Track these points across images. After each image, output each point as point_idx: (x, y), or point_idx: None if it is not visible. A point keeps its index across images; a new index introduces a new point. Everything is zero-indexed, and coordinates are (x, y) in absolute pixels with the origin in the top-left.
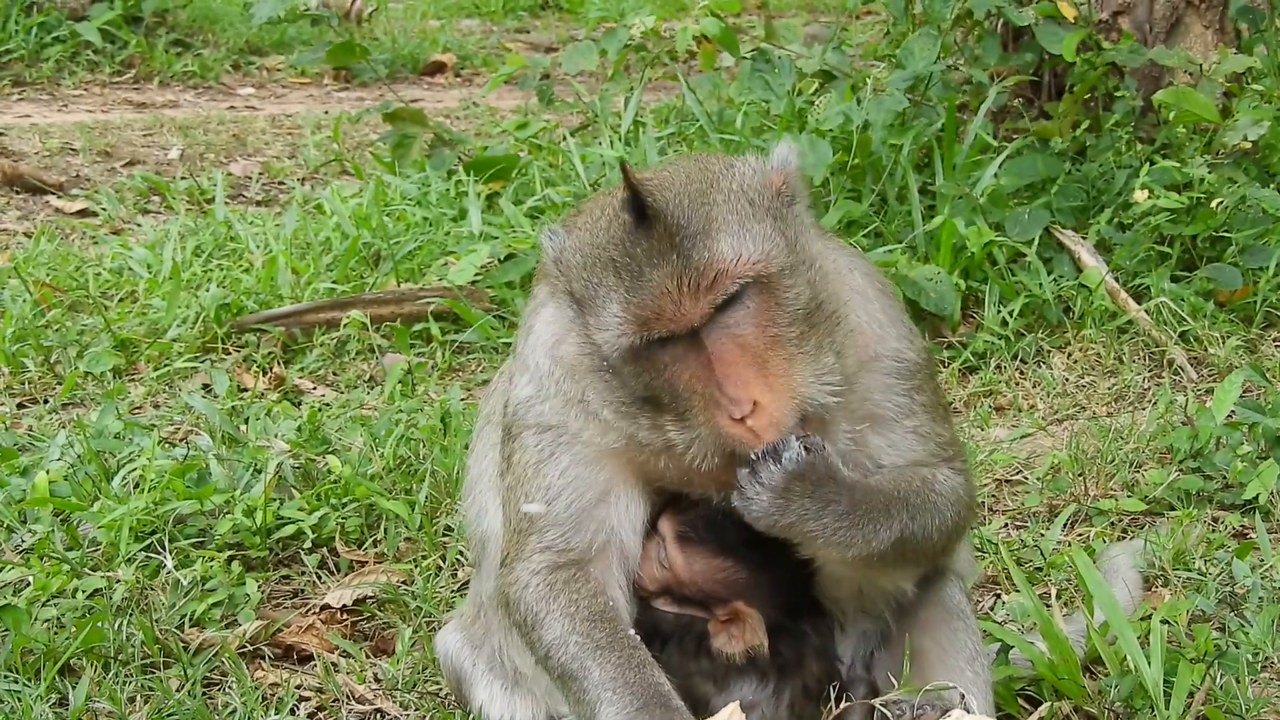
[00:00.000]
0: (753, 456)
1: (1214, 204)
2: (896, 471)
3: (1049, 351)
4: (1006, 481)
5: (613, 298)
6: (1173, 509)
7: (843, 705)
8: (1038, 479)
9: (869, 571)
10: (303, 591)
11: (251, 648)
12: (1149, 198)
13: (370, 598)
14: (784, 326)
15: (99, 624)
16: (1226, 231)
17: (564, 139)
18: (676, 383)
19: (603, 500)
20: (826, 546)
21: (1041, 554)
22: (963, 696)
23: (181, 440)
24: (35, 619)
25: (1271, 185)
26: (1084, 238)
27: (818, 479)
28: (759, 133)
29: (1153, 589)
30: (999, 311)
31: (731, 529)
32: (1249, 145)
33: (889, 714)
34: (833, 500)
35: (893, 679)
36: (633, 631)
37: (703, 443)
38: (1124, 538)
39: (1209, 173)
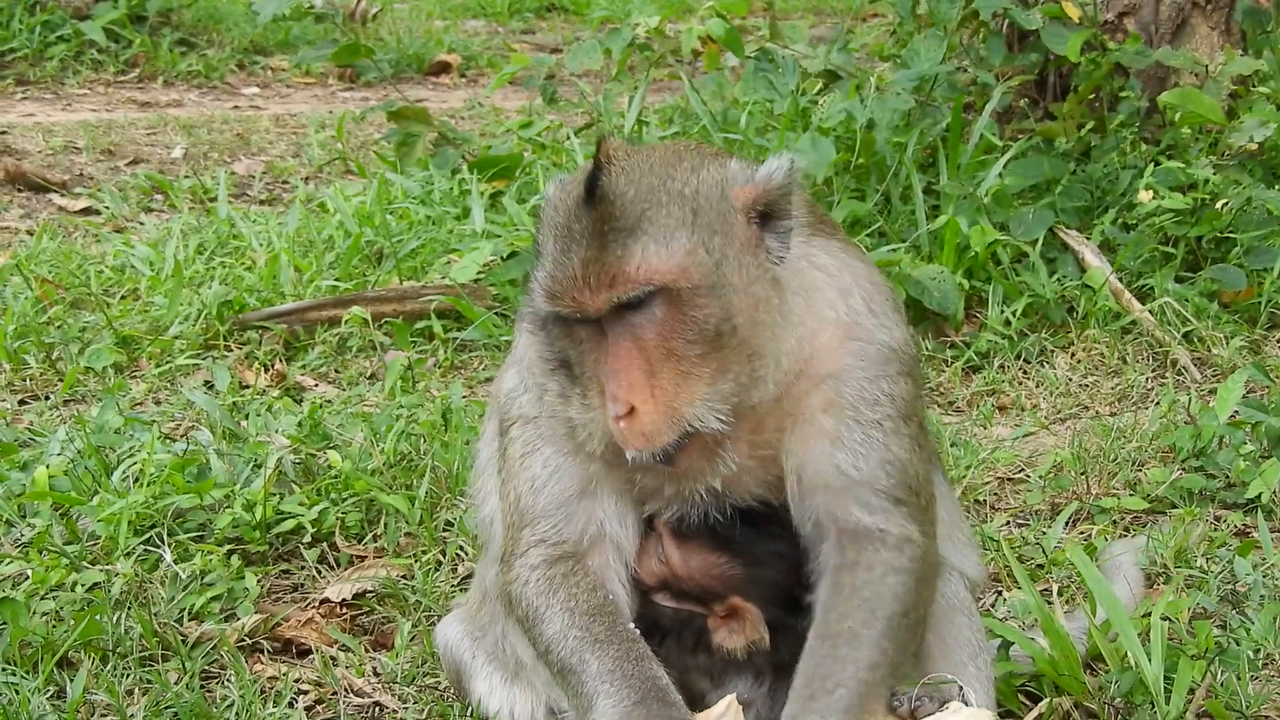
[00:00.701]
0: (631, 460)
1: (1219, 205)
2: (843, 595)
3: (1052, 351)
4: (1009, 480)
5: (545, 262)
6: (1175, 507)
7: None
8: (1040, 477)
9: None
10: (302, 586)
11: (250, 641)
12: (1154, 198)
13: (370, 592)
14: (685, 342)
15: (97, 617)
16: (1231, 233)
17: (568, 138)
18: (584, 360)
19: (587, 492)
20: None
21: (1043, 551)
22: (961, 689)
23: (182, 436)
24: (33, 612)
25: (1277, 186)
26: (1088, 238)
27: None
28: (763, 132)
29: (1154, 586)
30: (1002, 311)
31: (726, 526)
32: (1255, 147)
33: (887, 707)
34: None
35: None
36: (632, 625)
37: (595, 426)
38: (1126, 536)
39: (1214, 174)
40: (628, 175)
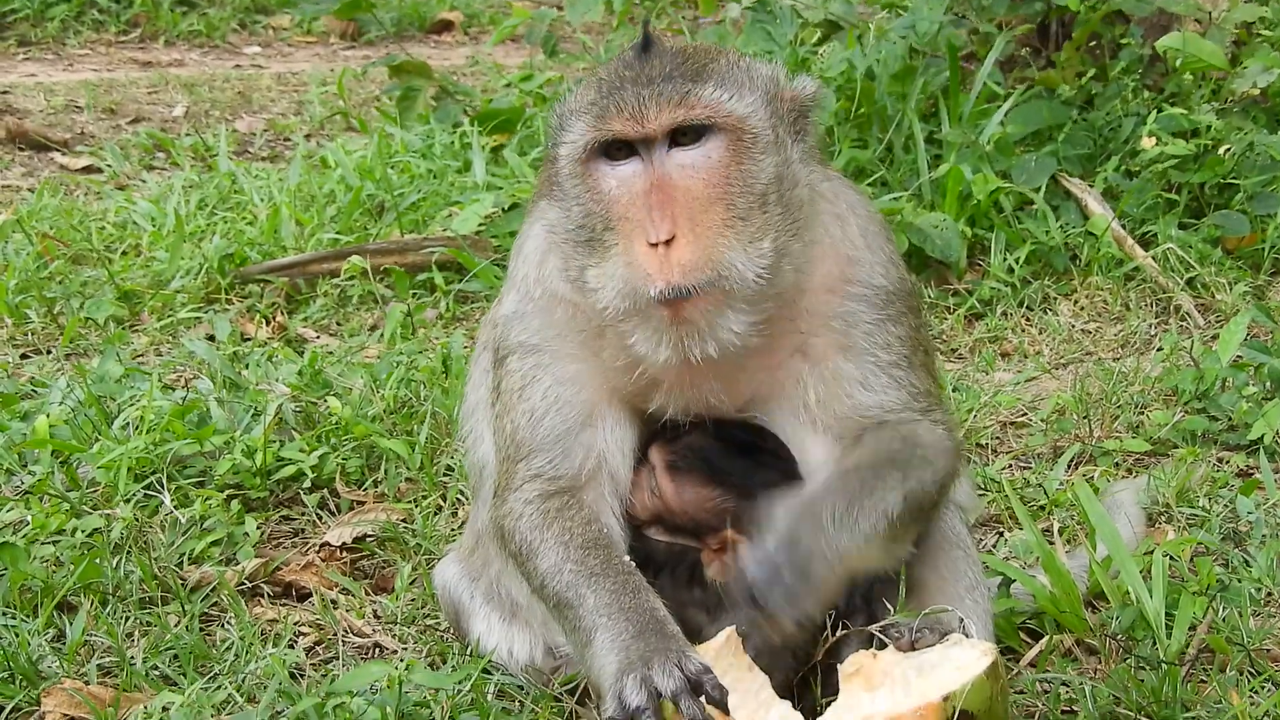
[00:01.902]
0: (654, 295)
1: (1222, 151)
2: (874, 442)
3: (1055, 298)
4: (1011, 423)
5: (587, 100)
6: (1177, 449)
7: (838, 634)
8: (1042, 420)
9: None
10: (303, 531)
11: (250, 585)
12: (1156, 145)
13: (370, 536)
14: (735, 193)
15: (97, 561)
16: (1235, 178)
17: (570, 91)
18: (612, 210)
19: (588, 423)
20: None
21: (1045, 493)
22: (961, 621)
23: (182, 386)
24: (33, 557)
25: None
26: (1091, 185)
27: (788, 558)
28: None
29: (1156, 526)
30: (1005, 259)
31: (719, 458)
32: (1258, 92)
33: (886, 638)
34: (815, 548)
35: (889, 605)
36: (628, 558)
37: (614, 282)
38: (1128, 478)
39: (1217, 120)
40: (682, 43)
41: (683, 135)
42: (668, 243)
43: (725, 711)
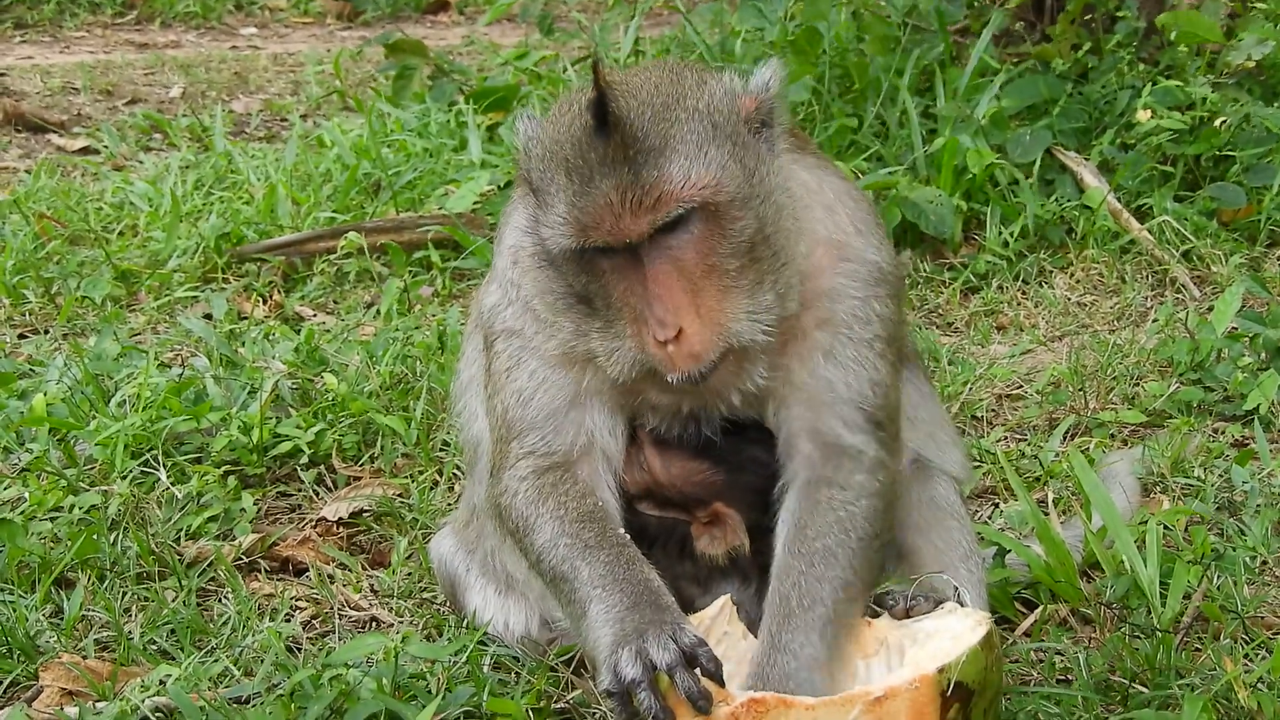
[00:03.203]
0: (670, 381)
1: (1217, 123)
2: (793, 549)
3: (1051, 272)
4: (1006, 396)
5: (561, 198)
6: (1172, 420)
7: None
8: (1038, 392)
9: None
10: (300, 508)
11: (247, 561)
12: (1152, 118)
13: (366, 511)
14: (725, 257)
15: (94, 537)
16: (1230, 151)
17: (564, 70)
18: (611, 291)
19: (576, 402)
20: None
21: (1040, 464)
22: (956, 590)
23: (179, 363)
24: (31, 533)
25: (1276, 104)
26: (1086, 159)
27: None
28: (760, 61)
29: (1151, 496)
30: (1001, 233)
31: (703, 433)
32: (1253, 65)
33: (881, 606)
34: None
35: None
36: (623, 531)
37: (624, 355)
38: (1123, 449)
39: (1212, 93)
40: (636, 98)
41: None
42: (676, 336)
43: (720, 684)
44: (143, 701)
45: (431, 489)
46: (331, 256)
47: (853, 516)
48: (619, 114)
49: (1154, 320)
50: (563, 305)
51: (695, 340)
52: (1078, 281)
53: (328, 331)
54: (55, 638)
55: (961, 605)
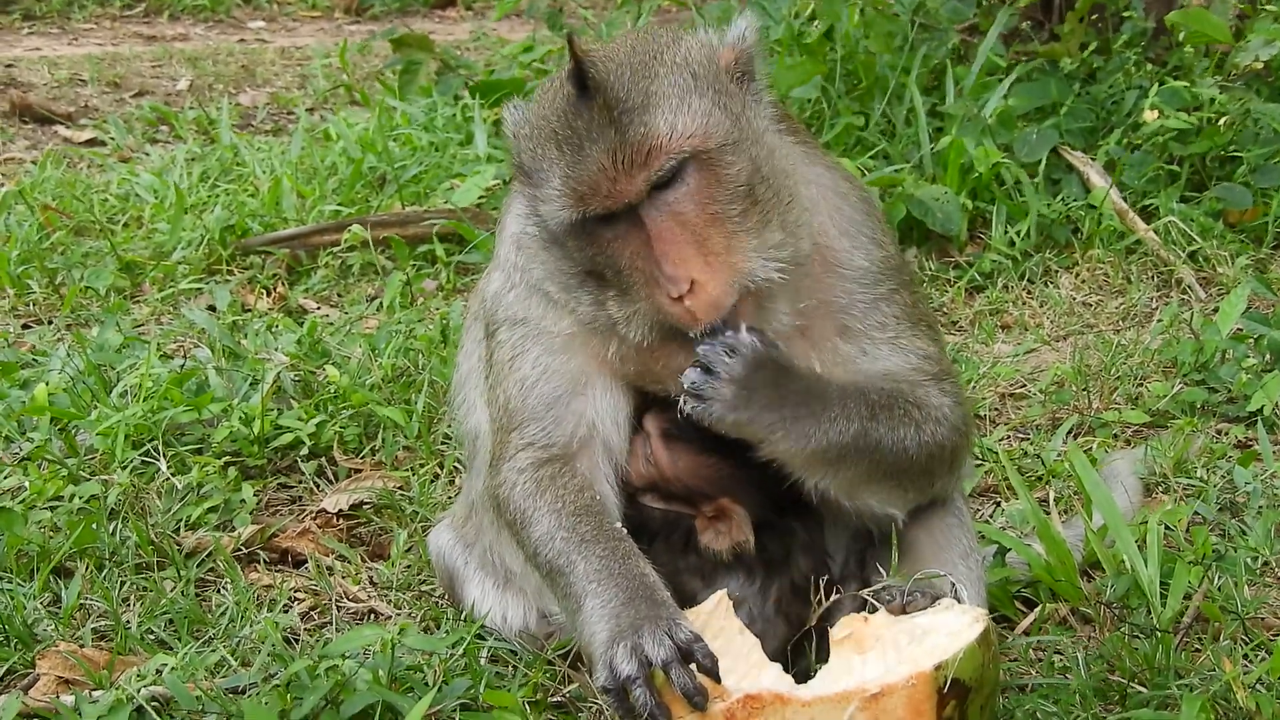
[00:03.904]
0: (698, 352)
1: (1221, 122)
2: (869, 378)
3: (1056, 271)
4: (1009, 394)
5: (554, 171)
6: (1176, 420)
7: (831, 599)
8: (1041, 391)
9: (840, 480)
10: (300, 499)
11: (246, 552)
12: (1158, 118)
13: (367, 503)
14: (725, 203)
15: (93, 526)
16: (1237, 152)
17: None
18: (618, 259)
19: (578, 392)
20: (786, 439)
21: (1042, 463)
22: (954, 586)
23: (182, 354)
24: (30, 522)
25: None
26: (1093, 159)
27: (777, 367)
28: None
29: (1153, 496)
30: (1006, 232)
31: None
32: (1261, 66)
33: (878, 602)
34: (791, 389)
35: (881, 569)
36: (620, 524)
37: (641, 318)
38: (1126, 449)
39: (1220, 94)
40: (613, 61)
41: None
42: (691, 288)
43: (716, 680)
44: (138, 691)
45: (432, 482)
46: (336, 250)
47: (916, 423)
48: (598, 78)
49: (1158, 321)
50: (575, 282)
51: (710, 288)
52: (1083, 281)
53: (331, 324)
54: (53, 626)
55: (959, 602)
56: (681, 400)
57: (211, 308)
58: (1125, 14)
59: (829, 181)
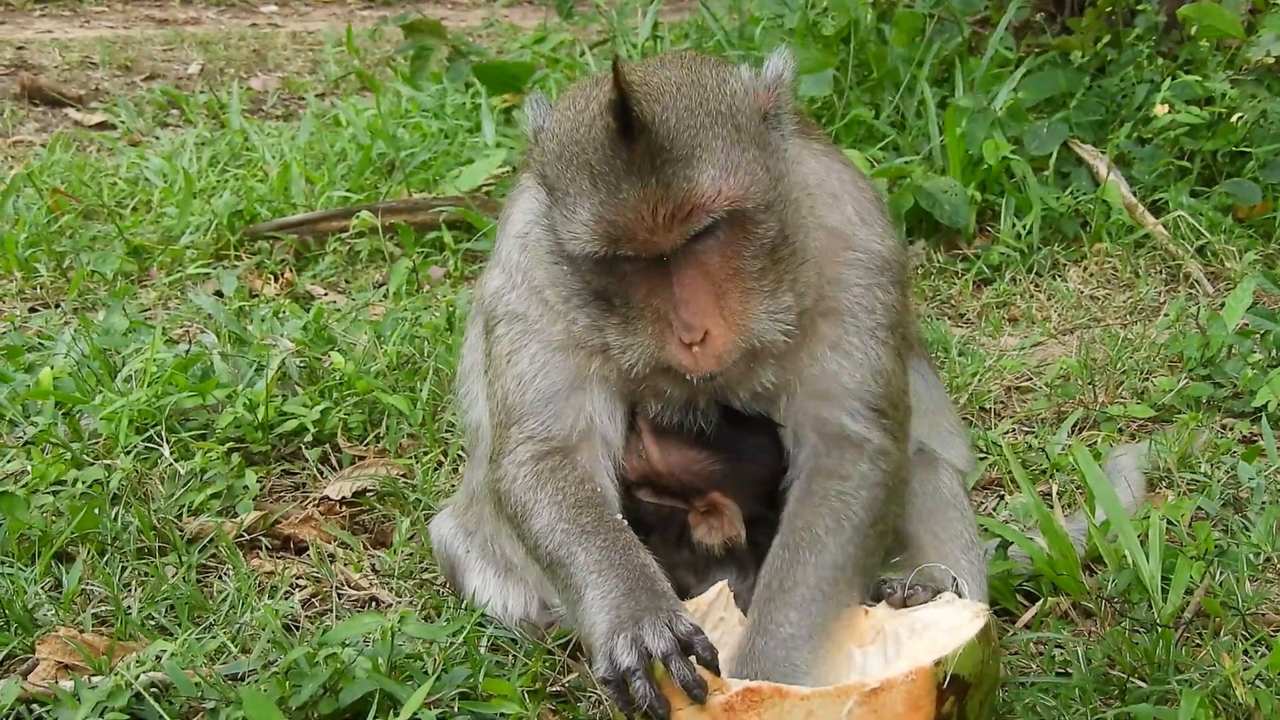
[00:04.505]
0: (689, 379)
1: (1234, 119)
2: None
3: (1064, 265)
4: (1015, 388)
5: (584, 204)
6: (1181, 415)
7: None
8: (1046, 385)
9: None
10: (304, 486)
11: (249, 538)
12: (1169, 112)
13: (370, 491)
14: (749, 259)
15: (95, 511)
16: (1247, 147)
17: (582, 54)
18: (632, 293)
19: (577, 387)
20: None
21: (1047, 457)
22: (955, 580)
23: (188, 339)
24: (32, 506)
25: None
26: (1103, 152)
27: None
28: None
29: (1157, 491)
30: (1014, 225)
31: (702, 422)
32: (1272, 61)
33: (878, 594)
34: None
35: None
36: (620, 516)
37: (641, 352)
38: (1130, 443)
39: (1231, 88)
40: (659, 100)
41: None
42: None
43: (716, 672)
44: (137, 677)
45: (436, 470)
46: (344, 236)
47: (848, 505)
48: (644, 119)
49: (1165, 315)
50: (577, 301)
51: (720, 343)
52: (1091, 275)
53: (338, 310)
54: (53, 611)
55: (959, 596)
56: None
57: (218, 293)
58: (1138, 7)
59: (849, 176)
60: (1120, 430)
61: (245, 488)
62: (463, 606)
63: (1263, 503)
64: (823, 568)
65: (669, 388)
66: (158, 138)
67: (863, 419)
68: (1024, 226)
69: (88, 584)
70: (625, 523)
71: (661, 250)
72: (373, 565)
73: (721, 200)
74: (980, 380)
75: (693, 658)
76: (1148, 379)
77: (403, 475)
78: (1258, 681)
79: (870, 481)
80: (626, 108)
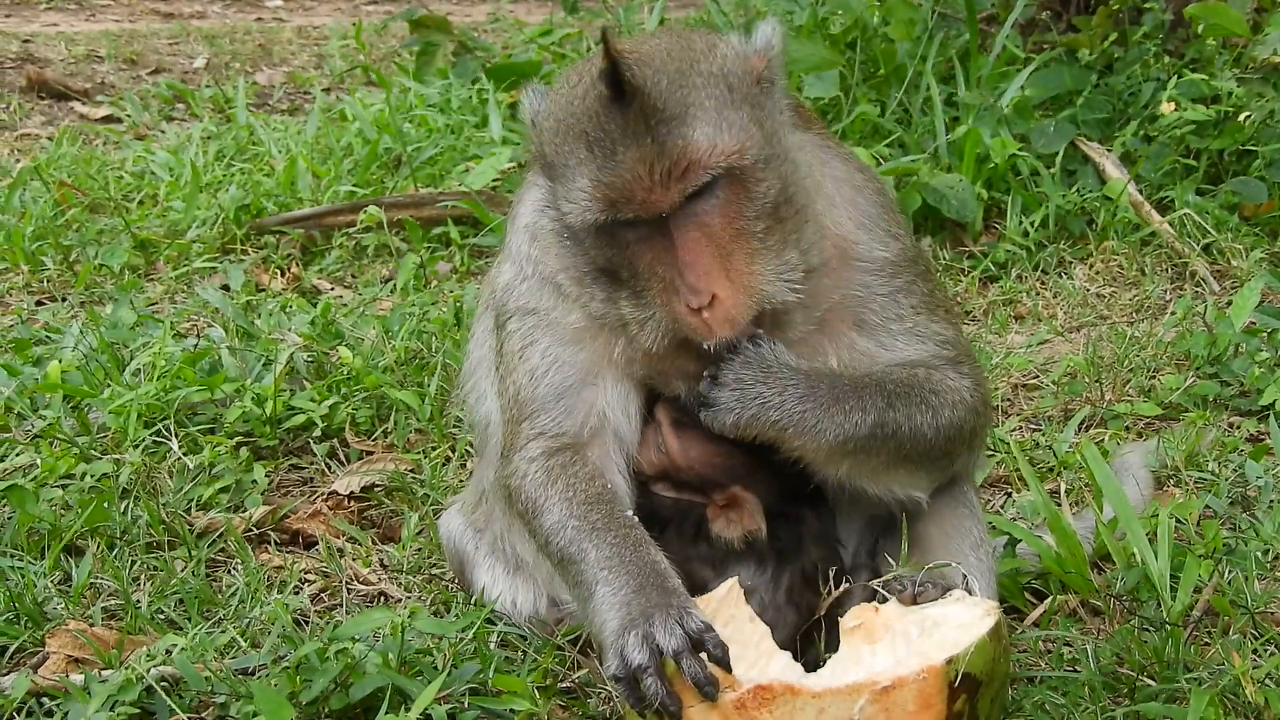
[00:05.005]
0: (706, 348)
1: (1241, 118)
2: (884, 367)
3: (1071, 262)
4: (1022, 385)
5: (582, 172)
6: (1188, 413)
7: (841, 588)
8: (1053, 383)
9: (861, 469)
10: (312, 480)
11: (258, 532)
12: (1175, 110)
13: (378, 486)
14: (751, 220)
15: (104, 505)
16: (1254, 145)
17: (588, 49)
18: (638, 262)
19: (589, 382)
20: (799, 436)
21: (1054, 454)
22: (965, 577)
23: (195, 334)
24: (42, 500)
25: None
26: (1109, 150)
27: (768, 366)
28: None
29: (1164, 489)
30: (1021, 222)
31: None
32: (1278, 59)
33: (888, 592)
34: (790, 385)
35: (892, 561)
36: (631, 513)
37: (655, 323)
38: (1138, 441)
39: (1237, 87)
40: (650, 65)
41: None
42: (709, 302)
43: (727, 669)
44: (148, 670)
45: (444, 465)
46: (350, 230)
47: (934, 408)
48: (635, 82)
49: (1172, 313)
50: (589, 278)
51: (729, 305)
52: (1097, 273)
53: (345, 305)
54: (63, 605)
55: (970, 594)
56: (694, 407)
57: (225, 287)
58: (1145, 6)
59: (845, 174)
60: (1127, 428)
61: (254, 482)
62: (472, 602)
63: (1271, 501)
64: (885, 405)
65: (692, 365)
66: (163, 132)
67: (938, 371)
68: (1030, 224)
69: (97, 578)
70: (636, 519)
71: (660, 209)
72: (381, 560)
73: (717, 155)
74: (988, 377)
75: (704, 655)
76: (1155, 377)
77: (411, 470)
78: (1267, 680)
79: (952, 401)
80: (618, 74)
